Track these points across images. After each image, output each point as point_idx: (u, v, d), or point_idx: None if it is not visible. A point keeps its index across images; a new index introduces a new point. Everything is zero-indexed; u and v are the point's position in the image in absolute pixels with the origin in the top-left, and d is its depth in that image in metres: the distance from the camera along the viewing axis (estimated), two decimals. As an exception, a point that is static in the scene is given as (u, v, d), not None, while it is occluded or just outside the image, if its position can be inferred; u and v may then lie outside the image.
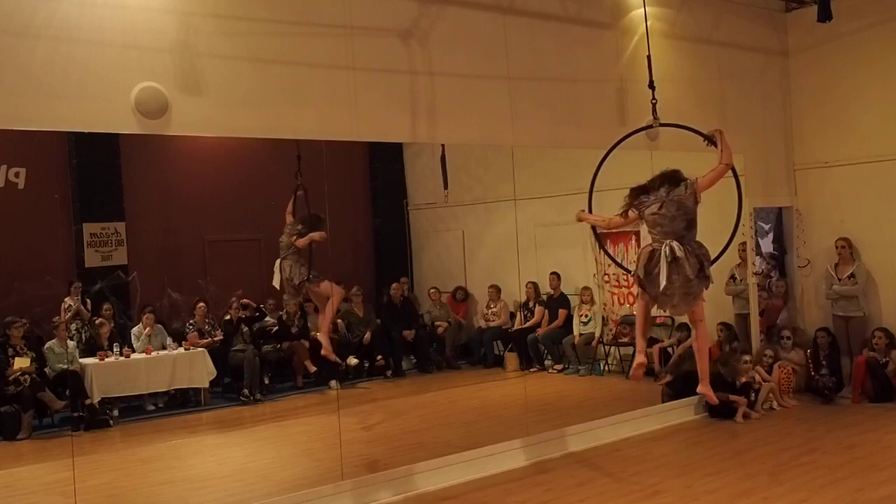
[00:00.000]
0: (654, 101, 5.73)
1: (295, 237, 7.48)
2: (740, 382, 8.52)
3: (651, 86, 5.76)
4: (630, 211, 5.62)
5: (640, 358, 5.90)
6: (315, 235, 7.38)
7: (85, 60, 5.22)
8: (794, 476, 6.44)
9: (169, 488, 6.75)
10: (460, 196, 11.31)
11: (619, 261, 6.24)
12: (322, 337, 7.71)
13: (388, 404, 9.83)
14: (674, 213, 5.45)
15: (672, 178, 5.51)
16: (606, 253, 6.14)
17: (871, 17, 9.18)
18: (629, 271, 5.82)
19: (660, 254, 5.38)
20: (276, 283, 7.67)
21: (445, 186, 10.04)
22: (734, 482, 6.36)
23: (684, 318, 9.69)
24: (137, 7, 5.42)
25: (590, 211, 6.06)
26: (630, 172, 5.99)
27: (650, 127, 5.74)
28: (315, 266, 7.46)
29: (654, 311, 6.03)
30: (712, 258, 5.56)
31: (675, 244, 5.39)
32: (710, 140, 5.65)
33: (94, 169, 9.31)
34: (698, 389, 6.11)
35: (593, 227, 6.03)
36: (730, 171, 5.59)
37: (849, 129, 9.46)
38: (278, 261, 7.61)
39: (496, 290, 11.55)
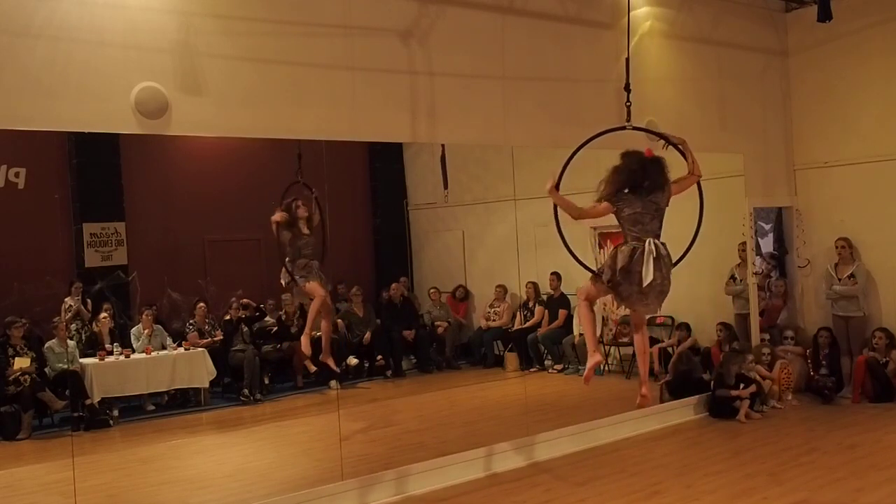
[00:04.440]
0: (628, 104, 5.70)
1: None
2: (735, 380, 8.52)
3: (627, 88, 5.74)
4: (607, 204, 5.31)
5: (597, 357, 5.65)
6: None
7: (85, 60, 5.22)
8: (794, 476, 6.44)
9: (169, 488, 6.75)
10: (460, 196, 11.30)
11: (580, 258, 5.98)
12: (303, 339, 7.46)
13: (388, 404, 9.83)
14: (653, 212, 5.35)
15: (657, 179, 5.36)
16: (568, 249, 5.87)
17: (871, 17, 9.18)
18: (594, 271, 5.61)
19: (641, 251, 5.28)
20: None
21: (445, 186, 10.03)
22: (734, 482, 6.36)
23: (684, 318, 9.75)
24: (137, 7, 5.42)
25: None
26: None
27: (622, 128, 5.67)
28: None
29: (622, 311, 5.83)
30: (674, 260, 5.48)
31: (657, 241, 5.34)
32: (673, 144, 5.58)
33: (94, 169, 9.31)
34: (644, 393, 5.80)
35: (556, 211, 5.66)
36: (695, 185, 5.53)
37: (849, 129, 9.46)
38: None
39: (503, 290, 11.52)
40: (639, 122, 5.78)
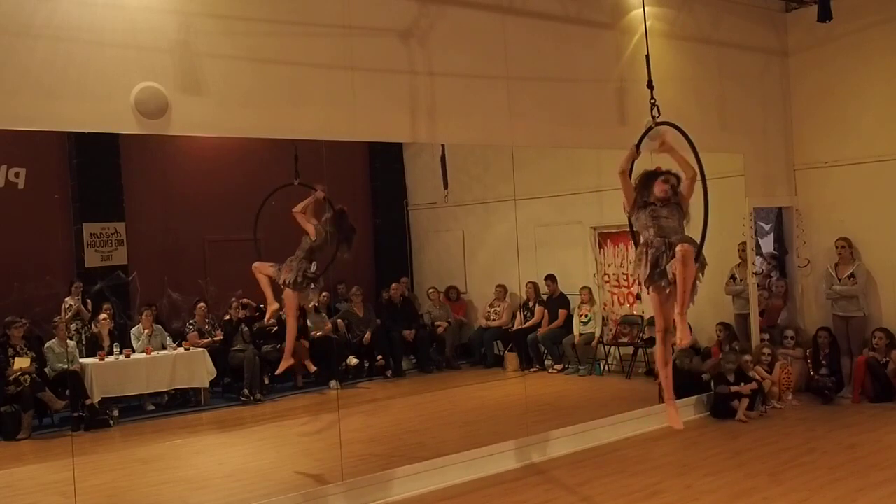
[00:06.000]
0: (652, 101, 5.72)
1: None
2: (735, 378, 8.52)
3: (650, 85, 5.76)
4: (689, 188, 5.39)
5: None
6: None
7: (85, 60, 5.22)
8: (794, 476, 6.44)
9: (169, 488, 6.75)
10: (460, 196, 11.32)
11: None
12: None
13: (388, 404, 9.83)
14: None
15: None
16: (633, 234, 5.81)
17: (871, 17, 9.18)
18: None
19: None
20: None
21: (445, 186, 10.05)
22: (734, 482, 6.36)
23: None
24: (137, 7, 5.42)
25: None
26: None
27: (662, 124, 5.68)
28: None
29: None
30: None
31: None
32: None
33: (94, 169, 9.31)
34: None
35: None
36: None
37: (849, 129, 9.46)
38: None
39: (503, 290, 11.54)
40: (639, 122, 5.78)
